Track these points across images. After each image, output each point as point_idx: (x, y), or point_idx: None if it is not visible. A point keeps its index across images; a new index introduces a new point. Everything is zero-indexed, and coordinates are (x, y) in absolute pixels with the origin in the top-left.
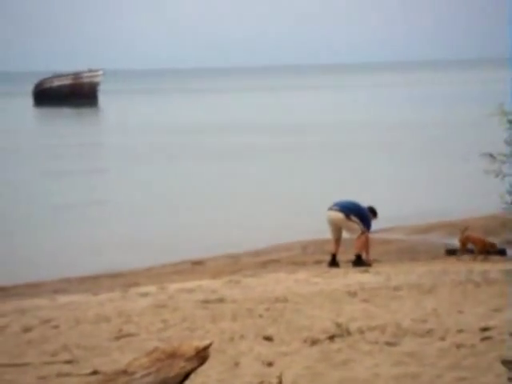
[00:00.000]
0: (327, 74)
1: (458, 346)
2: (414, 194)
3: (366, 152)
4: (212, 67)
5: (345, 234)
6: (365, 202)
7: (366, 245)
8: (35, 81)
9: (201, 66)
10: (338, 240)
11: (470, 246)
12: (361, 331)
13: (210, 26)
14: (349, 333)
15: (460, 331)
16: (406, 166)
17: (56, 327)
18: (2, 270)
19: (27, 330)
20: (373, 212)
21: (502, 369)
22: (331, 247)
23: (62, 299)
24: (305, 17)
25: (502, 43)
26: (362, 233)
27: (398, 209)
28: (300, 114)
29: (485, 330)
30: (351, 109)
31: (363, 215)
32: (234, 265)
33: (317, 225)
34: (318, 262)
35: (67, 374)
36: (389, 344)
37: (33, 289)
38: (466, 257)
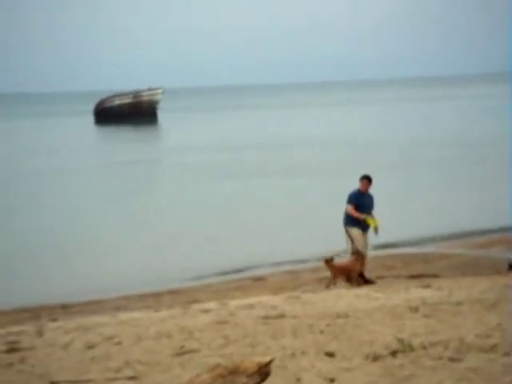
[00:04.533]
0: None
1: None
2: (471, 209)
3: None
4: (265, 84)
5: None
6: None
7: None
8: (96, 100)
9: (254, 83)
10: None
11: None
12: (423, 347)
13: (257, 46)
14: (411, 348)
15: None
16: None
17: (118, 344)
18: (64, 288)
19: (90, 346)
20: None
21: None
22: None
23: (124, 316)
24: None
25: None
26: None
27: (456, 224)
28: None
29: None
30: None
31: None
32: (295, 280)
33: (377, 240)
34: (379, 278)
35: None
36: (452, 360)
37: (94, 306)
38: None
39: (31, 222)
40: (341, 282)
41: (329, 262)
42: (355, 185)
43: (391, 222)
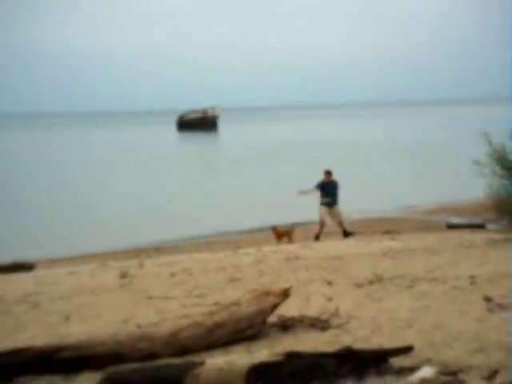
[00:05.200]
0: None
1: (455, 288)
2: (423, 188)
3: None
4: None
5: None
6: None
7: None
8: (176, 115)
9: (285, 103)
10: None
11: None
12: (390, 278)
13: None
14: (382, 279)
15: (456, 278)
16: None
17: (191, 274)
18: (156, 237)
19: (173, 275)
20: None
21: (483, 302)
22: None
23: (195, 256)
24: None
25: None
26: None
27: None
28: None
29: (472, 277)
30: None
31: None
32: (306, 234)
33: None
34: (361, 233)
35: (198, 304)
36: (409, 287)
37: (176, 249)
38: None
39: (139, 191)
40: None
41: (274, 229)
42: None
43: (369, 195)
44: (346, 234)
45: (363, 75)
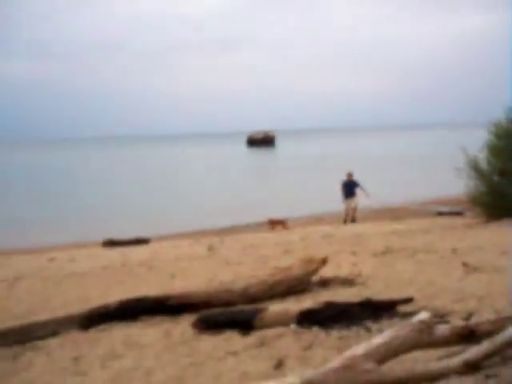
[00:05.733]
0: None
1: (442, 257)
2: (418, 186)
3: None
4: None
5: None
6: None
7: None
8: (246, 135)
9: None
10: None
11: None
12: (397, 250)
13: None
14: (392, 251)
15: (443, 250)
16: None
17: (256, 247)
18: (229, 220)
19: (244, 248)
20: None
21: (462, 267)
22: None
23: (258, 235)
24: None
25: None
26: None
27: (413, 193)
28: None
29: (454, 249)
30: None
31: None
32: (337, 218)
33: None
34: (375, 219)
35: (262, 268)
36: (410, 256)
37: (244, 229)
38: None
39: (221, 185)
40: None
41: (270, 219)
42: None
43: (381, 191)
44: (354, 220)
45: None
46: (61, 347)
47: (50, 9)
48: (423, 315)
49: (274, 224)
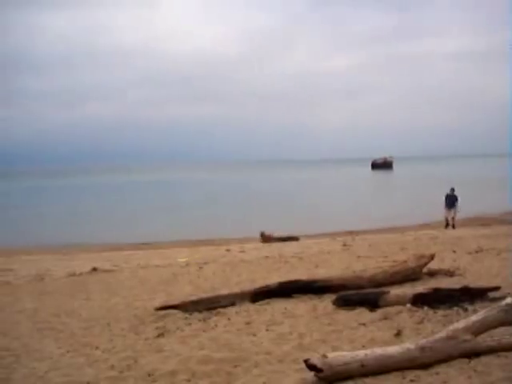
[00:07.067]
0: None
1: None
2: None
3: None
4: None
5: None
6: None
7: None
8: (370, 160)
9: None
10: None
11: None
12: (487, 250)
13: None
14: (482, 250)
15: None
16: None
17: (380, 244)
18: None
19: (370, 245)
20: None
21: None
22: None
23: (382, 235)
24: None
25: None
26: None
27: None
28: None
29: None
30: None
31: None
32: (441, 224)
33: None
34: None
35: (385, 261)
36: (497, 254)
37: (366, 232)
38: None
39: (349, 196)
40: None
41: (262, 233)
42: None
43: (474, 203)
44: (453, 226)
45: None
46: (237, 314)
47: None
48: (509, 299)
49: (265, 238)
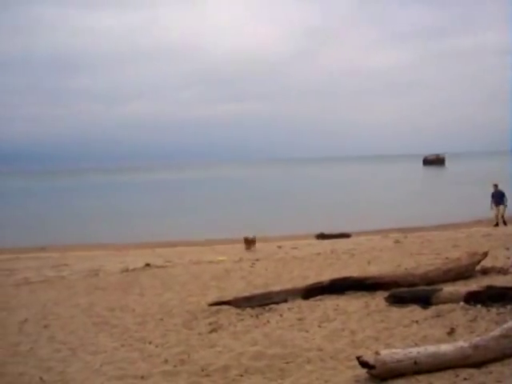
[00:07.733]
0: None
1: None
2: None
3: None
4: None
5: None
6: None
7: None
8: (421, 157)
9: None
10: None
11: None
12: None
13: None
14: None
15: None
16: None
17: (431, 241)
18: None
19: (421, 243)
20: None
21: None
22: None
23: (433, 232)
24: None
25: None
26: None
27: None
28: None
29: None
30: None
31: None
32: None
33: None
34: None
35: (437, 258)
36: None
37: (418, 229)
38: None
39: (403, 193)
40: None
41: (246, 238)
42: None
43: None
44: (505, 223)
45: None
46: (289, 310)
47: None
48: None
49: (249, 242)
